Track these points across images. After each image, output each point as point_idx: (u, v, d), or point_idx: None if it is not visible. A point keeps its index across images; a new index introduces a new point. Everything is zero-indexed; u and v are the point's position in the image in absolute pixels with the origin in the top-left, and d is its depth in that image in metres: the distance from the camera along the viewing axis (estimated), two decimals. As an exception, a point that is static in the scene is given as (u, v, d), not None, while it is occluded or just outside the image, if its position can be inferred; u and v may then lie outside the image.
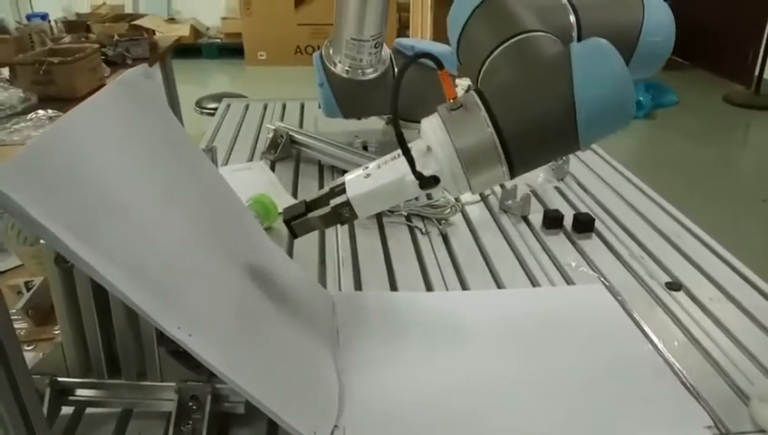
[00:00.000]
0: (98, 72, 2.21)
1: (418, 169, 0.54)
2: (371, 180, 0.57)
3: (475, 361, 0.63)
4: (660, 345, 0.66)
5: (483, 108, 0.53)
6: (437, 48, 1.17)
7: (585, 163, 1.14)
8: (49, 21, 2.91)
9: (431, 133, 0.55)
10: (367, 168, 0.58)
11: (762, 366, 0.63)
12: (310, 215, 0.60)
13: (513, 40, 0.57)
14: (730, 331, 0.68)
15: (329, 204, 0.58)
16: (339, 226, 0.74)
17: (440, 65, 0.54)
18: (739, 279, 0.78)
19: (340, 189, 0.58)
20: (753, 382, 0.60)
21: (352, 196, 0.57)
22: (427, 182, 0.55)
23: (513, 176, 0.55)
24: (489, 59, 0.58)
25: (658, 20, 0.63)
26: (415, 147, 0.55)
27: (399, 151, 0.56)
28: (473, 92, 0.55)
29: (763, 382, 0.60)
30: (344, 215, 0.58)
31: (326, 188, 0.60)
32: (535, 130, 0.53)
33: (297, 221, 0.60)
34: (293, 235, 0.61)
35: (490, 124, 0.52)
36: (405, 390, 0.59)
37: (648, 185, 1.05)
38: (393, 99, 0.54)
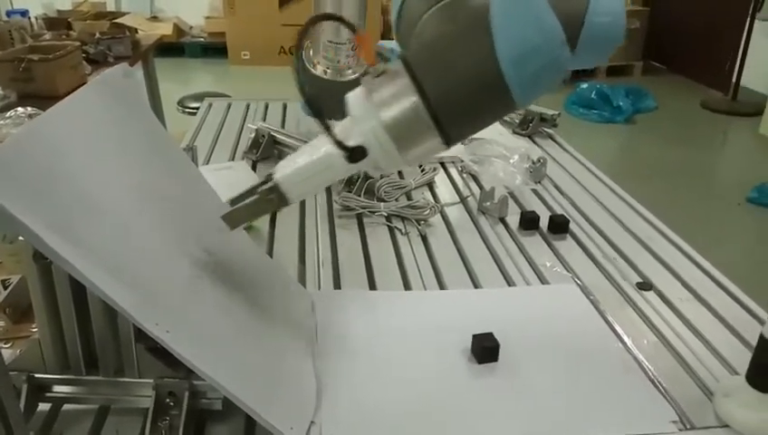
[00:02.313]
0: (78, 71, 2.19)
1: (343, 141, 0.51)
2: (299, 160, 0.55)
3: (451, 358, 0.64)
4: (630, 343, 0.68)
5: (406, 73, 0.50)
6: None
7: (562, 166, 1.16)
8: (29, 17, 2.88)
9: (353, 102, 0.52)
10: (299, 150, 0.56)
11: (727, 364, 0.65)
12: (240, 204, 0.57)
13: (442, 2, 0.53)
14: (698, 330, 0.70)
15: (256, 192, 0.56)
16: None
17: (353, 29, 0.52)
18: (708, 280, 0.80)
19: (270, 176, 0.56)
20: (719, 379, 0.62)
21: (280, 178, 0.55)
22: (354, 154, 0.51)
23: (449, 144, 0.51)
24: (418, 23, 0.55)
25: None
26: (341, 122, 0.53)
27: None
28: (398, 59, 0.52)
29: (727, 379, 0.62)
30: (273, 200, 0.55)
31: (261, 180, 0.57)
32: (462, 89, 0.49)
33: (228, 211, 0.57)
34: (228, 225, 0.57)
35: (413, 87, 0.49)
36: (381, 387, 0.60)
37: (627, 188, 1.07)
38: (297, 47, 0.51)
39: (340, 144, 0.51)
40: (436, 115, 0.49)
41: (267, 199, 0.55)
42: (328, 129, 0.51)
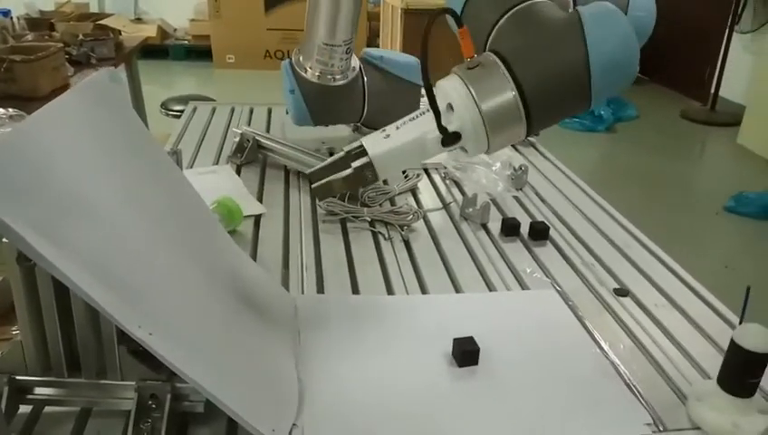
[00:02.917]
0: (61, 72, 2.17)
1: (446, 126, 0.57)
2: (392, 140, 0.59)
3: (432, 363, 0.65)
4: (607, 348, 0.69)
5: (502, 66, 0.56)
6: (404, 59, 1.20)
7: (543, 174, 1.18)
8: (11, 18, 2.84)
9: (452, 91, 0.57)
10: (384, 130, 0.61)
11: (700, 369, 0.67)
12: (331, 177, 0.61)
13: (518, 7, 0.60)
14: (673, 335, 0.72)
15: (350, 166, 0.60)
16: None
17: (459, 22, 0.58)
18: (683, 287, 0.82)
19: (359, 151, 0.60)
20: (692, 383, 0.64)
21: (374, 155, 0.59)
22: (449, 139, 0.57)
23: (529, 134, 0.59)
24: (496, 27, 0.61)
25: None
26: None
27: (419, 112, 0.59)
28: (489, 53, 0.58)
29: (700, 383, 0.64)
30: (367, 175, 0.60)
31: (341, 153, 0.61)
32: (553, 88, 0.57)
33: (317, 184, 0.61)
34: (316, 197, 0.64)
35: (512, 82, 0.56)
36: (363, 390, 0.61)
37: (607, 196, 1.09)
38: (423, 42, 0.57)
39: (443, 129, 0.57)
40: (528, 109, 0.56)
41: (362, 175, 0.60)
42: (438, 115, 0.57)
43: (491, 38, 0.62)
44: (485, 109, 0.56)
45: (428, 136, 0.58)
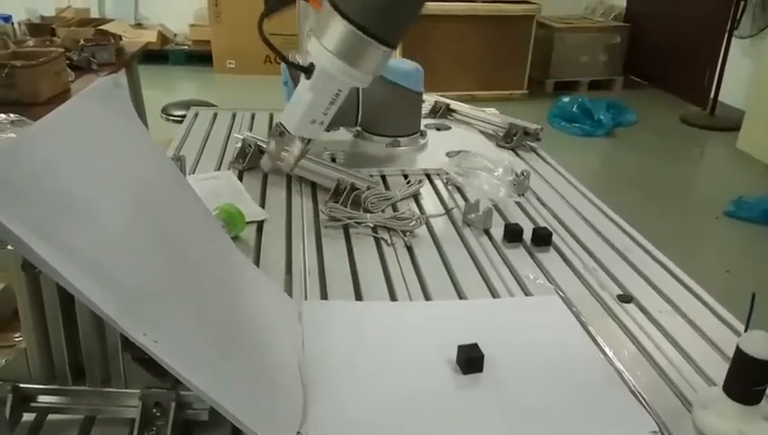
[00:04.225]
0: (62, 77, 2.17)
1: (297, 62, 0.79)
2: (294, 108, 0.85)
3: (436, 369, 0.65)
4: (611, 355, 0.69)
5: (330, 6, 0.67)
6: (403, 66, 1.20)
7: (545, 179, 1.18)
8: (12, 23, 2.85)
9: (310, 50, 0.74)
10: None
11: (705, 375, 0.66)
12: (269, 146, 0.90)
13: None
14: (677, 342, 0.72)
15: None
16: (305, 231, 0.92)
17: None
18: (686, 292, 0.82)
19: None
20: (697, 390, 0.64)
21: (290, 128, 0.86)
22: (307, 71, 0.76)
23: (392, 46, 0.71)
24: None
25: None
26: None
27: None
28: (325, 3, 0.70)
29: (705, 390, 0.63)
30: (283, 132, 0.86)
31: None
32: (376, 2, 0.68)
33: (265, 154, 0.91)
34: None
35: (339, 15, 0.66)
36: (367, 398, 0.61)
37: (607, 200, 1.09)
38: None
39: (295, 65, 0.79)
40: (366, 30, 0.67)
41: (278, 129, 0.85)
42: (284, 58, 0.81)
43: None
44: (333, 48, 0.69)
45: (303, 83, 0.77)
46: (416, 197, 1.08)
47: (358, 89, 1.16)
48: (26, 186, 0.44)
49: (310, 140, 0.86)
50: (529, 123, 1.36)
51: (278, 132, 0.85)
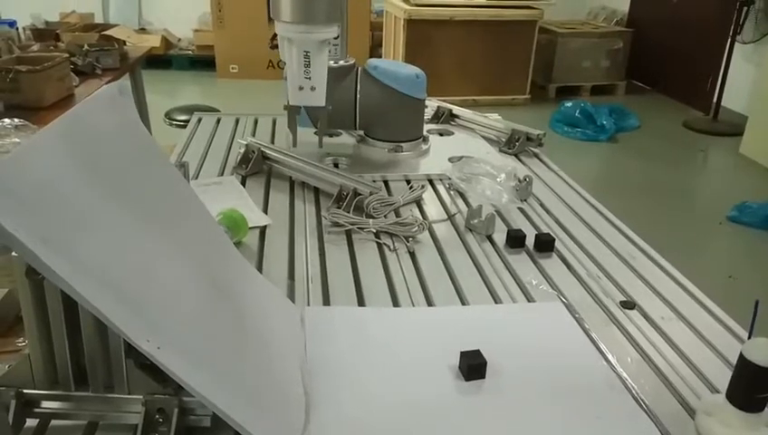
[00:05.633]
0: (66, 82, 2.18)
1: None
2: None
3: (438, 375, 0.65)
4: (614, 361, 0.69)
5: None
6: (403, 71, 1.21)
7: (548, 185, 1.18)
8: (17, 28, 2.87)
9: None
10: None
11: (708, 382, 0.66)
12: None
13: None
14: (680, 349, 0.72)
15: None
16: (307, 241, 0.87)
17: None
18: (690, 299, 0.82)
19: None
20: (700, 397, 0.64)
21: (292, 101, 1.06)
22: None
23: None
24: None
25: None
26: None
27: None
28: None
29: (708, 397, 0.63)
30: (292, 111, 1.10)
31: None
32: None
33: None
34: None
35: None
36: (369, 404, 0.61)
37: (610, 206, 1.09)
38: None
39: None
40: None
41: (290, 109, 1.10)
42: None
43: None
44: (285, 17, 0.95)
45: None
46: (418, 202, 1.08)
47: (355, 90, 1.18)
48: (32, 194, 0.44)
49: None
50: (531, 129, 1.36)
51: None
